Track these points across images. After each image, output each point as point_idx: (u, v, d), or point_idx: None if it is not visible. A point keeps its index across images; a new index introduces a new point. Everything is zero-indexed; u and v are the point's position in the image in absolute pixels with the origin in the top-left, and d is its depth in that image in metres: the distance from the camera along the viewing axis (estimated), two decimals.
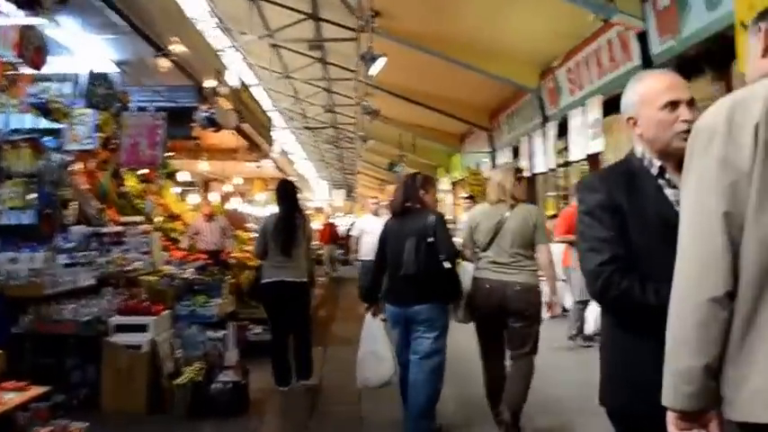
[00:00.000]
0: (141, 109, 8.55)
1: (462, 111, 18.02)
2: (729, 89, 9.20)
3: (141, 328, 6.72)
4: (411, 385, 5.45)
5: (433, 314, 5.33)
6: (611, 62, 10.48)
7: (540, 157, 14.11)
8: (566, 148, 14.50)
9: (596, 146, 11.19)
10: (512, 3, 10.62)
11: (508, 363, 5.66)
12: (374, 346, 5.67)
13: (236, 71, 9.98)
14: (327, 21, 13.79)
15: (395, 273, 5.41)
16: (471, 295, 5.50)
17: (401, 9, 11.29)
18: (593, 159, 12.97)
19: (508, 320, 5.45)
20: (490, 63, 13.11)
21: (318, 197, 47.82)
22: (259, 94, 18.30)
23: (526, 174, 15.59)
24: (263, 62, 17.92)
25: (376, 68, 11.05)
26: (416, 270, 5.21)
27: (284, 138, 25.63)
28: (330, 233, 25.63)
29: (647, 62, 9.44)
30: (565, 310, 9.85)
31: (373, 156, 28.50)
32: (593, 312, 9.44)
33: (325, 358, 9.11)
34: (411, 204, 5.56)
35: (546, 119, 13.76)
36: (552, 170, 14.43)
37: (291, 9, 13.39)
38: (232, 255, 10.58)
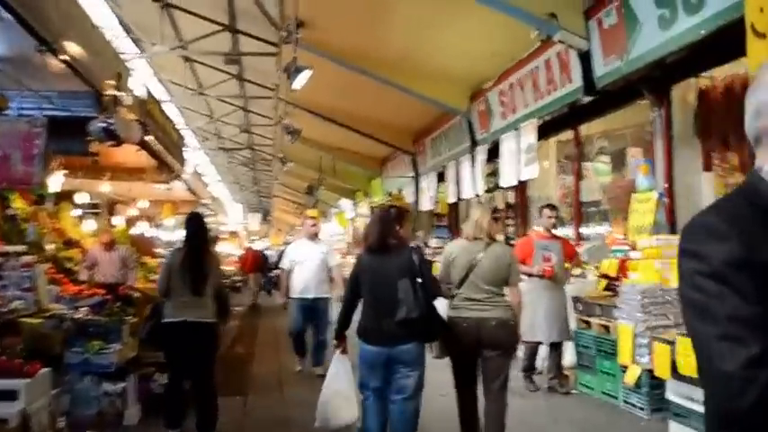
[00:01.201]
0: (21, 116, 7.06)
1: (385, 133, 17.42)
2: (669, 115, 8.80)
3: (9, 396, 5.27)
4: (395, 426, 5.33)
5: (418, 352, 5.26)
6: (548, 84, 9.91)
7: (468, 182, 13.50)
8: (493, 173, 14.04)
9: (530, 172, 10.62)
10: (445, 20, 9.99)
11: (482, 399, 5.68)
12: (341, 386, 5.54)
13: (143, 79, 8.93)
14: (246, 33, 12.86)
15: (383, 313, 5.20)
16: (448, 332, 5.48)
17: (327, 20, 10.55)
18: (521, 186, 12.47)
19: (484, 355, 5.52)
20: (418, 83, 12.46)
21: (233, 221, 46.64)
22: (171, 111, 17.18)
23: (452, 200, 15.14)
24: (175, 77, 16.89)
25: (300, 81, 10.21)
26: (419, 313, 5.11)
27: (198, 158, 24.45)
28: (254, 261, 24.36)
29: (590, 84, 8.89)
30: None
31: (291, 179, 27.72)
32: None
33: (246, 410, 7.94)
34: (390, 240, 5.44)
35: (475, 143, 13.13)
36: (478, 196, 13.82)
37: (206, 19, 12.41)
38: (135, 287, 9.22)
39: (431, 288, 5.35)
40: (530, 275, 7.97)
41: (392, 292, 5.14)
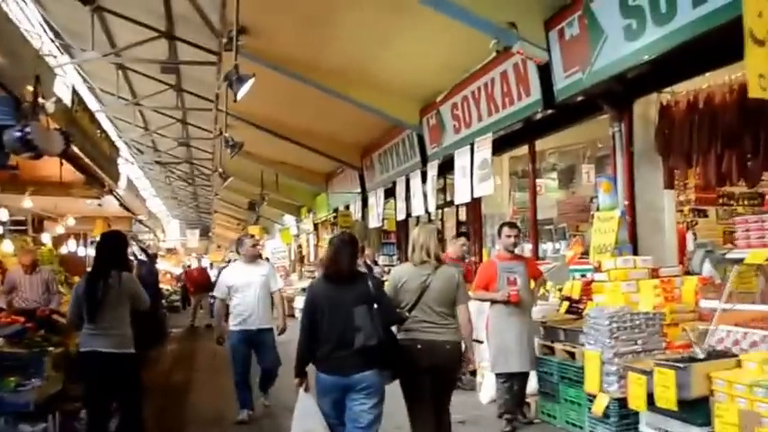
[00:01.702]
0: None
1: (331, 147, 16.92)
2: (630, 130, 8.47)
3: None
4: None
5: (375, 380, 5.14)
6: (504, 97, 9.51)
7: (419, 199, 13.03)
8: (443, 189, 13.66)
9: (485, 188, 10.18)
10: (395, 29, 9.55)
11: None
12: (310, 424, 5.24)
13: (70, 85, 8.20)
14: (184, 40, 12.18)
15: (340, 342, 5.06)
16: (400, 356, 5.38)
17: (271, 27, 9.98)
18: (475, 203, 12.05)
19: (434, 377, 5.52)
20: (366, 94, 12.02)
21: (171, 237, 45.57)
22: (103, 122, 16.33)
23: (400, 217, 14.68)
24: (108, 86, 16.08)
25: (243, 91, 9.57)
26: (377, 340, 5.02)
27: (132, 172, 23.53)
28: (199, 280, 21.98)
29: (549, 98, 8.52)
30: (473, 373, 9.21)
31: (232, 194, 27.04)
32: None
33: None
34: (355, 269, 5.43)
35: (426, 158, 12.67)
36: (428, 213, 13.41)
37: (141, 24, 11.69)
38: (60, 312, 8.34)
39: (391, 314, 5.31)
40: (494, 302, 7.46)
41: (349, 319, 5.04)
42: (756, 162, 6.89)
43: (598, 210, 8.37)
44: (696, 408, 4.96)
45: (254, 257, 8.62)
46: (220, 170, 18.74)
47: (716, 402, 4.81)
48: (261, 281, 8.23)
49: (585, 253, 9.52)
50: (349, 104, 12.20)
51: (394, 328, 5.53)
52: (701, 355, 5.07)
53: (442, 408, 5.72)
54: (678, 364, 5.02)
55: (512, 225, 7.91)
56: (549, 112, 8.97)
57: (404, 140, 13.69)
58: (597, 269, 7.56)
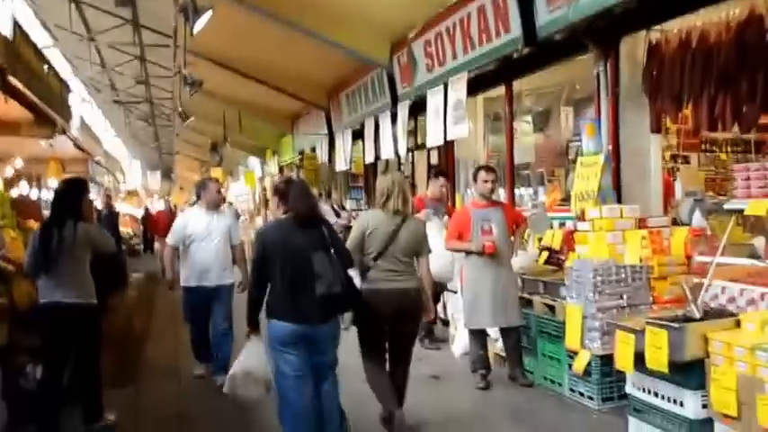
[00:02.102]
0: None
1: (296, 87, 16.20)
2: (616, 70, 8.01)
3: None
4: (326, 413, 5.06)
5: (335, 329, 5.12)
6: (481, 33, 8.95)
7: (388, 141, 12.50)
8: (414, 131, 13.16)
9: (459, 131, 9.67)
10: None
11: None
12: (252, 366, 5.10)
13: (11, 17, 7.49)
14: None
15: (300, 290, 4.87)
16: (363, 303, 5.35)
17: None
18: (448, 146, 11.56)
19: (398, 325, 5.59)
20: (333, 30, 11.32)
21: (132, 179, 44.57)
22: (56, 59, 15.45)
23: (369, 160, 14.14)
24: (60, 20, 15.17)
25: (200, 24, 8.91)
26: (341, 287, 4.93)
27: (89, 112, 22.58)
28: (169, 223, 21.32)
29: (530, 34, 7.99)
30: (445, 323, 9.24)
31: (194, 135, 26.30)
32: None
33: (139, 403, 6.87)
34: (315, 214, 5.24)
35: (396, 98, 12.09)
36: (398, 156, 12.92)
37: None
38: (9, 258, 7.67)
39: (345, 259, 5.17)
40: (468, 253, 6.96)
41: (308, 266, 4.86)
42: (753, 106, 6.43)
43: (580, 154, 7.94)
44: (689, 370, 4.57)
45: (218, 204, 7.81)
46: (180, 110, 17.97)
47: (712, 365, 4.42)
48: (223, 231, 7.46)
49: (564, 199, 9.15)
50: (315, 41, 11.52)
51: (357, 277, 5.45)
52: (698, 314, 4.66)
53: (403, 356, 5.77)
54: (672, 324, 4.61)
55: (489, 169, 7.26)
56: (529, 50, 8.43)
57: (373, 79, 13.06)
58: (580, 218, 7.14)
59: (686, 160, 9.71)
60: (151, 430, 6.20)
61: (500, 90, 10.67)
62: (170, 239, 7.59)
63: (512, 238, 7.19)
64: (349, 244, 5.57)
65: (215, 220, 7.48)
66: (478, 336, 7.06)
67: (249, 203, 29.93)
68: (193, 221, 7.48)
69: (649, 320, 4.79)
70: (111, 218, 18.09)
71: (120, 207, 27.30)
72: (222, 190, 7.74)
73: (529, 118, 12.03)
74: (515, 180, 10.74)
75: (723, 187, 10.37)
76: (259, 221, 24.70)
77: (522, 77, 10.08)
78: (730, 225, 5.37)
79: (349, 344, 5.59)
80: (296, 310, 4.86)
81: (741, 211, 5.14)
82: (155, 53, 17.49)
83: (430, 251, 5.86)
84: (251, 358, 5.13)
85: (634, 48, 7.84)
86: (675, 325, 4.55)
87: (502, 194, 10.49)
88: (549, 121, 11.93)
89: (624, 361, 5.03)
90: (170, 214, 22.46)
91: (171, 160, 44.34)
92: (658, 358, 4.62)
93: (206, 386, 7.22)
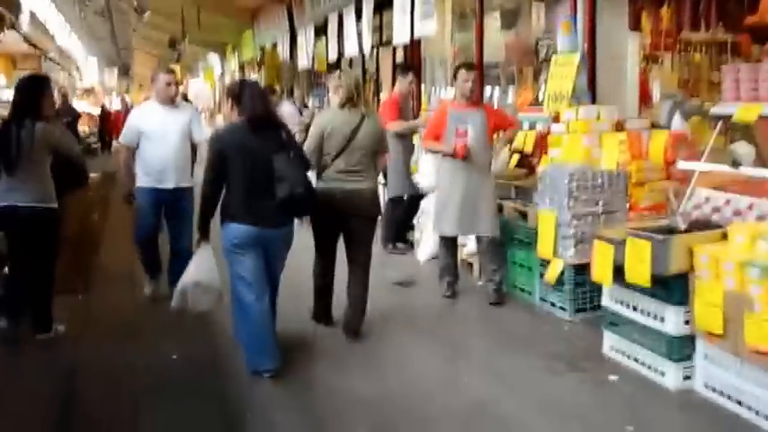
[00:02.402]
0: None
1: None
2: None
3: None
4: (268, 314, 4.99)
5: (292, 232, 5.08)
6: None
7: (352, 38, 11.91)
8: (379, 28, 12.61)
9: (427, 27, 9.14)
10: None
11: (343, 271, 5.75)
12: (201, 276, 4.96)
13: None
14: None
15: (260, 192, 4.78)
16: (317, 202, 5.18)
17: None
18: (415, 44, 11.06)
19: (353, 226, 5.56)
20: None
21: (89, 76, 43.36)
22: None
23: (333, 57, 13.56)
24: None
25: None
26: (304, 188, 4.84)
27: (41, 7, 21.55)
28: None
29: None
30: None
31: (151, 31, 25.31)
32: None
33: (89, 311, 6.53)
34: (271, 115, 5.15)
35: None
36: (363, 54, 12.36)
37: None
38: None
39: (304, 161, 5.10)
40: (444, 155, 6.54)
41: (268, 169, 4.75)
42: (738, 4, 6.07)
43: (554, 53, 7.55)
44: (672, 285, 4.31)
45: (172, 98, 6.78)
46: (135, 4, 17.15)
47: (697, 280, 4.18)
48: (180, 128, 6.62)
49: (535, 100, 8.81)
50: None
51: (313, 177, 5.41)
52: (682, 226, 4.39)
53: (358, 258, 5.66)
54: (656, 235, 4.33)
55: (469, 66, 6.73)
56: None
57: None
58: (555, 119, 6.81)
59: (659, 61, 9.31)
60: (100, 340, 5.84)
61: None
62: (123, 138, 6.75)
63: (496, 142, 6.76)
64: (307, 144, 5.50)
65: (172, 116, 6.62)
66: (447, 242, 6.74)
67: (209, 101, 29.23)
68: (146, 117, 6.64)
69: (631, 231, 4.51)
70: (70, 117, 17.41)
71: (77, 105, 26.44)
72: (175, 84, 6.81)
73: (497, 15, 11.53)
74: (486, 79, 10.30)
75: (697, 89, 10.10)
76: (219, 120, 24.18)
77: None
78: (716, 130, 5.07)
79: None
80: (253, 214, 4.81)
81: (729, 116, 4.83)
82: None
83: (387, 150, 5.94)
84: (201, 267, 4.98)
85: None
86: (659, 236, 4.28)
87: None
88: (518, 18, 11.49)
89: (602, 273, 4.77)
90: (127, 113, 21.83)
91: (129, 57, 43.16)
92: (640, 271, 4.36)
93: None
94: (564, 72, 7.09)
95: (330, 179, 5.48)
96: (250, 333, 4.89)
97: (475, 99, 6.66)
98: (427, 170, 7.68)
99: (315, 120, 5.92)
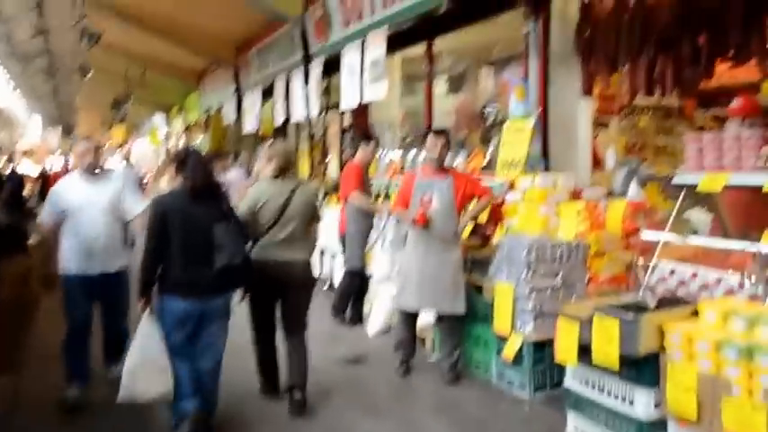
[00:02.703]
0: None
1: (204, 41, 15.23)
2: (546, 29, 7.48)
3: None
4: (207, 387, 4.92)
5: (228, 303, 5.00)
6: None
7: (300, 101, 11.72)
8: (327, 91, 12.45)
9: (377, 91, 8.98)
10: None
11: (281, 344, 5.68)
12: (153, 353, 4.73)
13: None
14: None
15: (199, 262, 4.73)
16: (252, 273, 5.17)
17: None
18: (363, 108, 10.89)
19: (289, 295, 5.52)
20: None
21: (31, 136, 42.64)
22: None
23: (279, 121, 13.34)
24: None
25: None
26: (243, 259, 4.91)
27: None
28: None
29: None
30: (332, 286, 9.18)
31: (96, 91, 24.91)
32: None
33: (22, 395, 5.85)
34: (214, 184, 5.10)
35: (309, 55, 11.31)
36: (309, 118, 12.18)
37: None
38: None
39: (244, 231, 5.14)
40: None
41: (208, 237, 4.74)
42: (695, 69, 5.96)
43: (506, 118, 7.39)
44: (642, 366, 4.05)
45: (90, 168, 5.79)
46: (80, 64, 16.79)
47: (669, 362, 3.91)
48: (107, 202, 5.71)
49: (486, 166, 8.62)
50: None
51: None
52: (652, 303, 4.15)
53: (294, 328, 5.58)
54: (624, 314, 4.07)
55: (438, 133, 6.34)
56: (454, 5, 7.79)
57: (285, 35, 12.24)
58: (509, 187, 6.60)
59: (605, 125, 9.27)
60: (33, 422, 5.38)
61: (418, 49, 10.07)
62: (43, 217, 5.82)
63: (467, 212, 6.27)
64: (241, 214, 5.35)
65: (96, 188, 5.73)
66: (407, 316, 6.38)
67: (153, 163, 28.72)
68: (66, 192, 5.73)
69: (599, 309, 4.25)
70: (14, 181, 16.67)
71: (19, 165, 25.73)
72: (90, 152, 5.76)
73: (444, 79, 11.47)
74: None
75: (642, 154, 10.09)
76: (164, 183, 23.63)
77: (444, 35, 9.47)
78: (679, 200, 4.89)
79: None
80: (191, 283, 4.74)
81: (693, 186, 4.65)
82: (54, 3, 16.30)
83: (320, 219, 5.90)
84: (147, 344, 4.73)
85: (566, 5, 7.32)
86: (628, 315, 4.02)
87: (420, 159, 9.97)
88: (463, 82, 11.46)
89: (566, 353, 4.49)
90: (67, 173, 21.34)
91: (73, 116, 42.46)
92: (608, 352, 4.09)
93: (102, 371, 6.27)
94: (517, 138, 6.92)
95: (265, 249, 5.42)
96: (178, 393, 4.76)
97: (443, 166, 6.30)
98: (381, 261, 7.51)
99: (249, 190, 5.81)
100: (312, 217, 5.65)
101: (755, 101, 5.92)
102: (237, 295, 5.34)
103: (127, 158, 20.25)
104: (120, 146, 35.64)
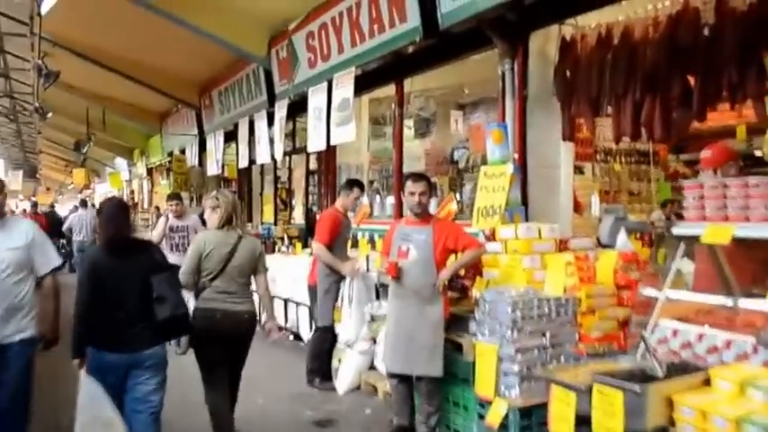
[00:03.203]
0: None
1: (165, 82, 14.78)
2: (524, 69, 7.14)
3: None
4: None
5: (161, 355, 4.74)
6: (373, 24, 7.88)
7: (264, 144, 11.29)
8: (292, 134, 12.09)
9: (344, 134, 8.57)
10: None
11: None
12: (101, 411, 4.41)
13: None
14: None
15: (133, 316, 4.57)
16: (196, 326, 5.11)
17: None
18: (329, 151, 10.47)
19: (232, 347, 5.48)
20: (206, 20, 10.01)
21: None
22: None
23: (243, 164, 12.90)
24: None
25: (48, 5, 7.52)
26: (184, 310, 4.73)
27: None
28: (49, 226, 17.50)
29: (430, 25, 6.97)
30: (299, 337, 9.12)
31: (57, 133, 24.45)
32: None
33: None
34: (132, 235, 4.94)
35: (273, 97, 10.88)
36: (274, 160, 11.79)
37: None
38: None
39: (179, 281, 5.06)
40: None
41: (146, 290, 4.57)
42: (686, 112, 5.61)
43: (482, 163, 7.01)
44: None
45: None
46: (37, 104, 16.25)
47: None
48: (11, 257, 4.75)
49: (460, 212, 8.24)
50: (185, 32, 10.19)
51: (191, 300, 5.31)
52: (660, 371, 3.67)
53: (236, 374, 5.63)
54: (630, 384, 3.59)
55: (417, 177, 5.81)
56: (426, 44, 7.42)
57: (248, 76, 11.82)
58: (489, 237, 6.15)
59: (581, 171, 8.94)
60: None
61: (386, 90, 9.76)
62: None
63: (448, 266, 5.69)
64: (186, 265, 5.39)
65: None
66: (393, 377, 5.82)
67: None
68: None
69: (598, 377, 3.77)
70: None
71: None
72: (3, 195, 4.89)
73: (410, 122, 11.15)
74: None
75: (617, 199, 9.81)
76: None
77: (415, 75, 9.12)
78: (679, 253, 4.47)
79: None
80: (122, 339, 4.56)
81: (696, 237, 4.24)
82: (15, 44, 15.78)
83: (267, 269, 5.73)
84: (94, 404, 4.42)
85: (545, 44, 7.04)
86: (635, 386, 3.54)
87: (388, 204, 9.60)
88: (431, 126, 11.19)
89: (561, 425, 4.00)
90: (50, 215, 20.74)
91: (36, 159, 41.64)
92: (611, 427, 3.60)
93: None
94: (495, 184, 6.51)
95: (209, 300, 5.35)
96: None
97: (427, 214, 5.77)
98: (348, 324, 7.10)
99: (194, 240, 5.79)
100: (256, 268, 5.57)
101: (728, 149, 5.55)
102: (183, 345, 5.47)
103: (83, 202, 19.69)
104: (82, 189, 35.03)
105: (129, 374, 4.60)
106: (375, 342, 7.10)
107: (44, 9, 7.99)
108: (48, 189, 49.22)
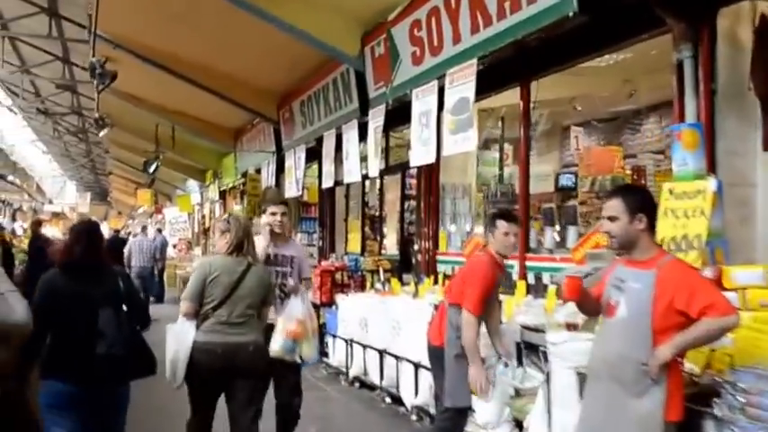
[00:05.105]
0: None
1: (241, 93, 13.31)
2: (710, 58, 5.43)
3: None
4: None
5: (127, 393, 4.67)
6: (505, 1, 6.21)
7: (354, 160, 9.67)
8: (385, 149, 10.65)
9: (463, 142, 6.91)
10: None
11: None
12: None
13: None
14: None
15: (81, 347, 4.38)
16: (194, 359, 4.97)
17: None
18: (430, 169, 8.92)
19: (236, 385, 5.13)
20: (288, 13, 8.53)
21: (65, 200, 41.92)
22: None
23: (327, 184, 11.36)
24: None
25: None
26: (125, 349, 4.49)
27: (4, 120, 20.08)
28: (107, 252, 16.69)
29: None
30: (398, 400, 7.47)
31: (125, 152, 23.72)
32: None
33: None
34: (100, 259, 4.73)
35: (366, 104, 9.31)
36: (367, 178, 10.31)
37: None
38: None
39: (141, 316, 4.94)
40: None
41: (92, 322, 4.45)
42: None
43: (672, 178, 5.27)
44: None
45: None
46: (97, 115, 15.17)
47: None
48: None
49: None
50: (262, 34, 9.03)
51: (192, 329, 5.08)
52: None
53: (248, 417, 5.19)
54: None
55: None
56: (573, 23, 5.80)
57: (336, 81, 10.27)
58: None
59: None
60: None
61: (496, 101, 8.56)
62: None
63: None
64: (188, 290, 5.21)
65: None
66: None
67: (186, 232, 27.16)
68: None
69: None
70: (41, 250, 13.56)
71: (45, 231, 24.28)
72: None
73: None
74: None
75: None
76: (197, 252, 22.22)
77: (544, 75, 7.49)
78: None
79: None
80: (76, 369, 4.42)
81: None
82: (80, 55, 15.00)
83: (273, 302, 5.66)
84: None
85: (735, 24, 5.50)
86: None
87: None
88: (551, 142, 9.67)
89: None
90: (112, 238, 19.33)
91: (106, 181, 41.53)
92: None
93: None
94: (690, 206, 4.76)
95: (209, 331, 5.06)
96: None
97: (646, 251, 3.64)
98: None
99: (198, 264, 5.71)
100: (265, 299, 5.34)
101: None
102: (178, 379, 5.08)
103: (144, 227, 18.66)
104: (152, 214, 34.15)
105: (83, 411, 4.43)
106: (522, 429, 5.26)
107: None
108: (119, 213, 48.97)
